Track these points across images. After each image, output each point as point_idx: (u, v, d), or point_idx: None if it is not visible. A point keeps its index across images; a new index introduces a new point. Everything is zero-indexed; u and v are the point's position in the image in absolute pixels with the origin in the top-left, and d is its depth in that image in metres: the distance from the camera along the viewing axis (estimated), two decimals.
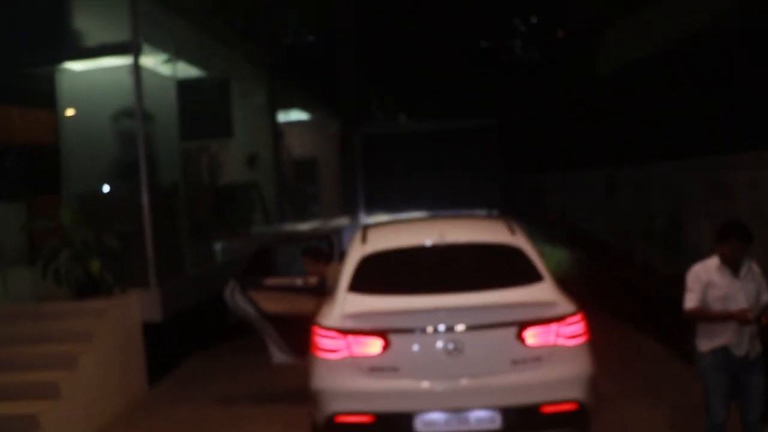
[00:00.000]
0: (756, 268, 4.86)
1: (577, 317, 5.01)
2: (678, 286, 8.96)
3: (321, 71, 22.65)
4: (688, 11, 11.42)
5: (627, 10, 14.23)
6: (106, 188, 8.94)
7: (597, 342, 5.26)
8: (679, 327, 8.46)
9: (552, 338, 4.91)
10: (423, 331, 4.89)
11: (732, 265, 4.77)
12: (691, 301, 4.89)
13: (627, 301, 10.82)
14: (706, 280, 4.82)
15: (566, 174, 16.55)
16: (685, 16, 11.41)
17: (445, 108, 30.62)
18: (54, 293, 8.02)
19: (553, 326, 4.92)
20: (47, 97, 9.22)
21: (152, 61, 8.97)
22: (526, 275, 5.28)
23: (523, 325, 4.88)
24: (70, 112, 8.81)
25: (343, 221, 23.98)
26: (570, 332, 4.95)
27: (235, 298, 6.63)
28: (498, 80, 27.78)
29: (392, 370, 4.87)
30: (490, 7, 28.82)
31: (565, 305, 5.02)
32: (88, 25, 8.92)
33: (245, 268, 7.13)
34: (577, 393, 4.90)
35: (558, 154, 17.90)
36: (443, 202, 23.16)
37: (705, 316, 4.85)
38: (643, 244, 10.64)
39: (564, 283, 5.45)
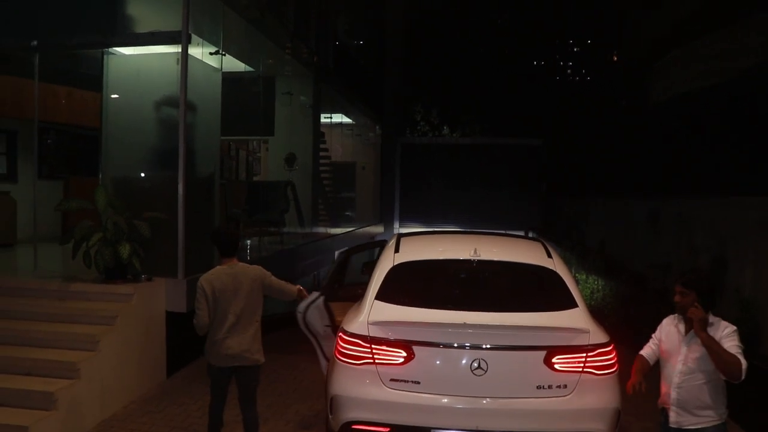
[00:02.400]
0: (724, 331, 4.21)
1: (609, 348, 4.85)
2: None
3: (367, 77, 22.66)
4: (745, 46, 11.17)
5: (683, 40, 13.99)
6: (142, 175, 8.94)
7: (626, 376, 5.07)
8: None
9: (580, 367, 4.74)
10: (449, 346, 4.77)
11: (685, 318, 4.34)
12: (644, 348, 4.69)
13: None
14: (666, 329, 4.53)
15: (609, 201, 16.27)
16: (743, 51, 11.16)
17: (489, 123, 30.47)
18: (82, 274, 8.05)
19: (583, 355, 4.75)
20: (93, 79, 9.27)
21: (200, 52, 8.98)
22: (560, 300, 5.13)
23: (552, 351, 4.72)
24: (114, 95, 8.84)
25: (377, 229, 23.95)
26: (599, 363, 4.79)
27: (309, 313, 6.14)
28: (546, 100, 27.53)
29: (414, 383, 4.75)
30: (545, 26, 28.64)
31: (597, 334, 4.86)
32: (140, 11, 8.97)
33: (331, 277, 6.87)
34: (600, 425, 4.74)
35: (602, 180, 17.62)
36: (480, 218, 23.03)
37: (634, 368, 4.58)
38: None
39: (597, 313, 5.28)
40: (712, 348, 4.07)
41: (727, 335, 4.15)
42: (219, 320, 5.35)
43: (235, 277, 5.41)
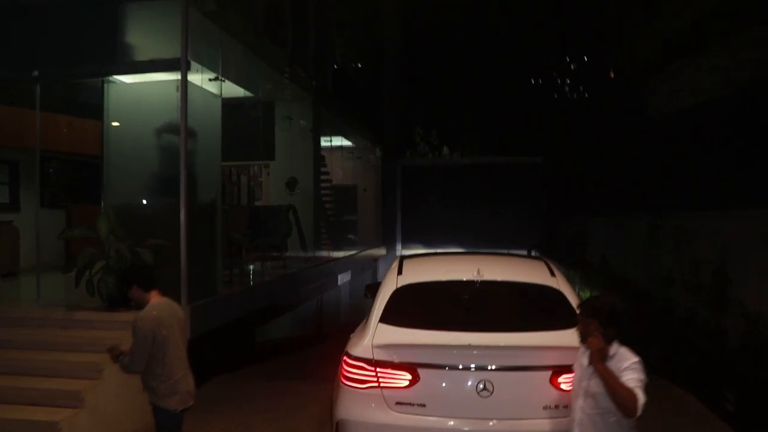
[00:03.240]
0: (627, 362, 3.96)
1: None
2: (722, 342, 8.73)
3: (366, 99, 22.76)
4: (742, 60, 11.22)
5: (680, 55, 14.05)
6: (144, 202, 8.97)
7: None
8: (720, 385, 8.21)
9: None
10: (454, 368, 4.75)
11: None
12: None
13: (667, 354, 10.51)
14: (578, 361, 4.33)
15: (609, 218, 16.27)
16: (740, 65, 11.21)
17: (489, 143, 30.54)
18: (86, 302, 8.04)
19: None
20: (94, 108, 9.34)
21: (199, 79, 9.04)
22: (564, 319, 5.10)
23: (557, 370, 4.70)
24: (115, 123, 8.90)
25: (379, 251, 23.93)
26: None
27: None
28: (544, 118, 27.61)
29: (419, 406, 4.72)
30: (542, 44, 28.79)
31: None
32: (139, 39, 9.04)
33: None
34: None
35: (602, 196, 17.62)
36: (482, 238, 23.02)
37: None
38: (686, 296, 10.33)
39: None
40: (608, 380, 3.86)
41: (628, 367, 3.91)
42: (176, 357, 5.00)
43: (170, 306, 5.13)
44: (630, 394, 3.80)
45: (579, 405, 4.15)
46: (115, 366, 6.98)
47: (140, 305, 5.06)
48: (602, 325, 4.01)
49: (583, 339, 4.10)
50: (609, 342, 4.04)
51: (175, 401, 4.99)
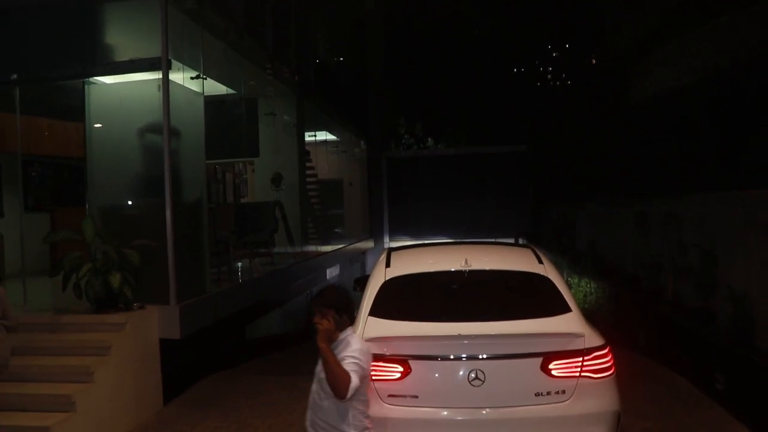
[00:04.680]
0: (353, 347, 4.08)
1: (605, 351, 4.84)
2: (710, 324, 8.79)
3: (349, 93, 22.73)
4: (723, 42, 11.26)
5: (660, 40, 14.10)
6: (129, 203, 8.92)
7: (623, 377, 5.09)
8: (709, 365, 8.28)
9: (578, 371, 4.74)
10: (445, 358, 4.76)
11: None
12: None
13: (656, 336, 10.58)
14: None
15: (596, 203, 16.32)
16: (721, 47, 11.25)
17: (474, 133, 30.61)
18: (73, 306, 8.00)
19: (580, 359, 4.75)
20: (76, 110, 9.27)
21: (181, 77, 8.99)
22: (553, 306, 5.14)
23: (548, 357, 4.71)
24: (97, 125, 8.83)
25: (367, 244, 23.94)
26: (596, 366, 4.78)
27: None
28: (528, 106, 27.68)
29: (412, 398, 4.73)
30: (523, 33, 28.84)
31: (592, 338, 4.85)
32: (119, 39, 8.98)
33: None
34: (601, 429, 4.73)
35: (588, 182, 17.69)
36: (469, 227, 23.07)
37: None
38: (674, 278, 10.39)
39: (591, 316, 5.29)
40: (328, 359, 3.93)
41: (352, 353, 4.03)
42: None
43: None
44: (345, 375, 3.91)
45: (313, 389, 4.27)
46: (106, 368, 6.99)
47: None
48: (338, 313, 4.11)
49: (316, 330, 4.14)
50: (342, 328, 4.16)
51: None
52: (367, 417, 4.24)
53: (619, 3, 17.70)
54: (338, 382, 3.89)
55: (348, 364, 3.96)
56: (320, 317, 4.09)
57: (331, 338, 4.07)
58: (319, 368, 4.17)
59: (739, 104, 9.41)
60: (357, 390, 3.99)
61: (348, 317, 4.22)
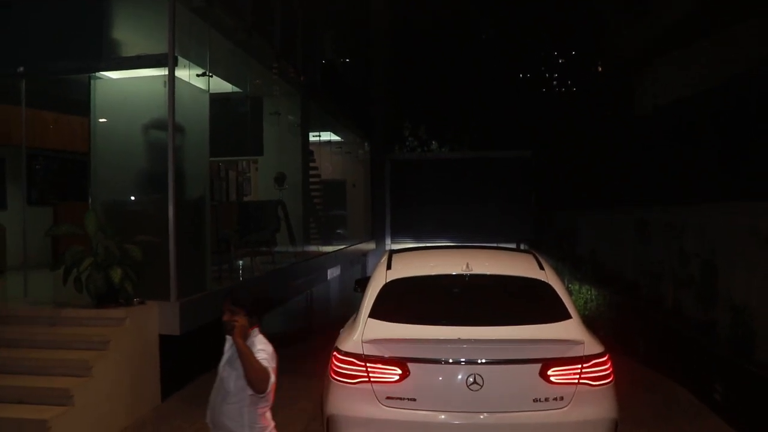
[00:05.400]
0: (260, 347, 4.01)
1: (604, 359, 4.85)
2: (710, 333, 8.78)
3: (355, 94, 22.74)
4: (730, 54, 11.27)
5: (667, 49, 14.11)
6: (132, 198, 8.93)
7: (622, 386, 5.09)
8: (708, 375, 8.27)
9: (576, 378, 4.74)
10: (444, 362, 4.77)
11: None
12: None
13: (655, 345, 10.57)
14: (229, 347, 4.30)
15: (598, 211, 16.31)
16: (728, 58, 11.25)
17: (478, 137, 30.61)
18: (74, 300, 8.01)
19: (578, 366, 4.75)
20: (81, 104, 9.28)
21: (187, 74, 9.00)
22: (553, 312, 5.14)
23: (547, 363, 4.72)
24: (102, 119, 8.85)
25: (369, 246, 23.94)
26: (595, 374, 4.79)
27: None
28: (533, 112, 27.67)
29: (410, 401, 4.74)
30: (530, 38, 28.84)
31: (591, 345, 4.86)
32: (126, 35, 8.99)
33: None
34: None
35: (591, 189, 17.67)
36: (471, 231, 23.06)
37: None
38: (674, 288, 10.38)
39: (591, 323, 5.29)
40: (246, 355, 3.88)
41: (260, 351, 3.99)
42: None
43: None
44: (264, 370, 3.89)
45: (214, 388, 4.23)
46: (105, 362, 6.99)
47: None
48: (248, 314, 4.07)
49: (228, 328, 4.06)
50: (250, 328, 4.11)
51: None
52: (267, 417, 4.17)
53: (625, 12, 17.71)
54: (258, 376, 3.87)
55: (263, 362, 3.93)
56: (229, 316, 4.04)
57: (246, 334, 4.03)
58: (222, 367, 4.17)
59: (742, 114, 9.39)
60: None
61: (256, 319, 4.16)
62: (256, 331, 4.14)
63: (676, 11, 13.86)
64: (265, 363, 3.94)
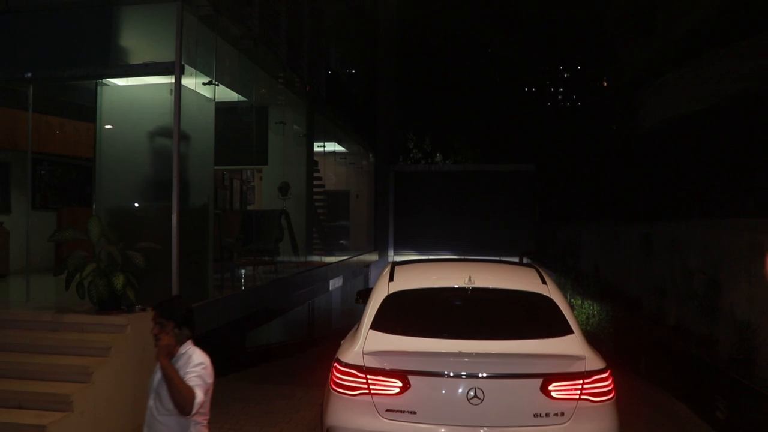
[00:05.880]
0: (194, 363, 3.89)
1: (605, 374, 4.82)
2: (712, 350, 8.74)
3: (360, 105, 22.80)
4: (731, 71, 11.29)
5: (671, 66, 14.13)
6: (136, 205, 8.95)
7: (624, 402, 5.06)
8: (711, 392, 8.23)
9: (577, 394, 4.72)
10: (445, 375, 4.74)
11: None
12: None
13: (657, 362, 10.53)
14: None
15: (602, 226, 16.30)
16: (729, 76, 11.28)
17: (482, 150, 30.66)
18: (75, 305, 8.00)
19: (580, 382, 4.73)
20: (87, 110, 9.32)
21: (193, 83, 9.04)
22: (555, 327, 5.12)
23: (548, 378, 4.69)
24: (108, 126, 8.88)
25: (371, 257, 23.93)
26: (597, 389, 4.76)
27: None
28: (538, 126, 27.73)
29: (410, 413, 4.71)
30: (536, 54, 28.93)
31: (593, 361, 4.83)
32: (133, 42, 9.04)
33: None
34: None
35: (594, 204, 17.66)
36: (474, 244, 23.07)
37: None
38: (677, 303, 10.36)
39: (593, 338, 5.27)
40: (169, 375, 3.75)
41: (195, 368, 3.86)
42: None
43: None
44: (188, 391, 3.75)
45: (149, 404, 4.02)
46: (105, 369, 6.98)
47: None
48: (177, 326, 3.95)
49: (157, 340, 3.94)
50: (182, 342, 3.99)
51: None
52: (206, 427, 4.04)
53: (631, 29, 17.76)
54: (182, 399, 3.73)
55: (192, 379, 3.81)
56: (159, 329, 3.92)
57: (171, 353, 3.90)
58: (156, 383, 3.97)
59: (747, 130, 9.40)
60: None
61: (189, 330, 4.03)
62: (189, 343, 4.01)
63: (682, 28, 13.90)
64: (198, 381, 3.82)
